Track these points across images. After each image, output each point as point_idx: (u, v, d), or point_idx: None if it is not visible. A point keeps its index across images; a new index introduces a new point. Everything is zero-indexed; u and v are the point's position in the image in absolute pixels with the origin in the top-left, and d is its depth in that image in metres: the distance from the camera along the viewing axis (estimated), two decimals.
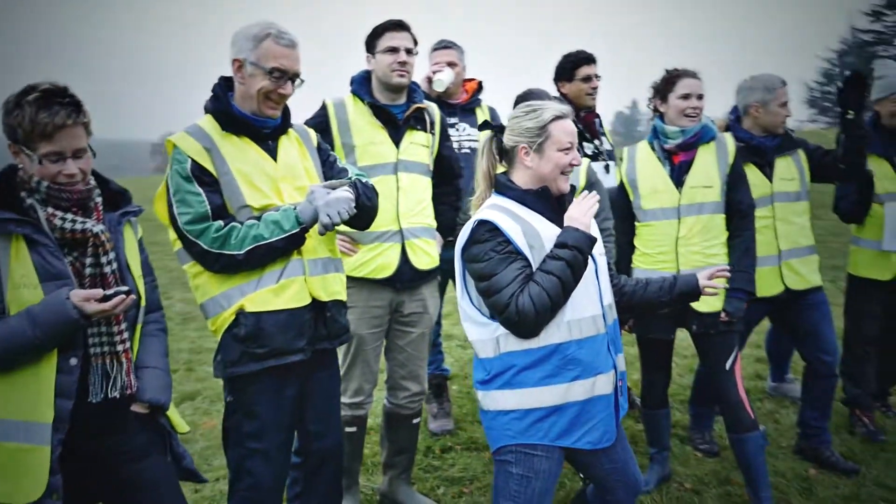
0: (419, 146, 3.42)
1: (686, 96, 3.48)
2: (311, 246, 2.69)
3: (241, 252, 2.51)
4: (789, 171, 3.88)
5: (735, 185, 3.50)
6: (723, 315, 3.42)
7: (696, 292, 2.75)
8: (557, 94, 4.45)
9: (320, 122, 3.33)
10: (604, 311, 2.49)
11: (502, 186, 2.53)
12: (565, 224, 2.42)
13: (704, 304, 3.44)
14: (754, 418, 3.40)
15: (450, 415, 4.74)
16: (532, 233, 2.40)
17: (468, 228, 2.44)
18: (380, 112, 3.35)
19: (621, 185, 3.69)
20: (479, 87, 4.58)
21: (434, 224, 3.50)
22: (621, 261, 3.66)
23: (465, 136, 4.42)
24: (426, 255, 3.39)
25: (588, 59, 4.34)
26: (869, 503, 3.52)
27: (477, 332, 2.47)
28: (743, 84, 3.93)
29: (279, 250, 2.55)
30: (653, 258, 3.55)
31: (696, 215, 3.46)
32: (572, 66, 4.34)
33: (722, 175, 3.48)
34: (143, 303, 2.43)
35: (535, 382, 2.37)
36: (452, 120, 4.43)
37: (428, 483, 3.90)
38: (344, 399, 3.44)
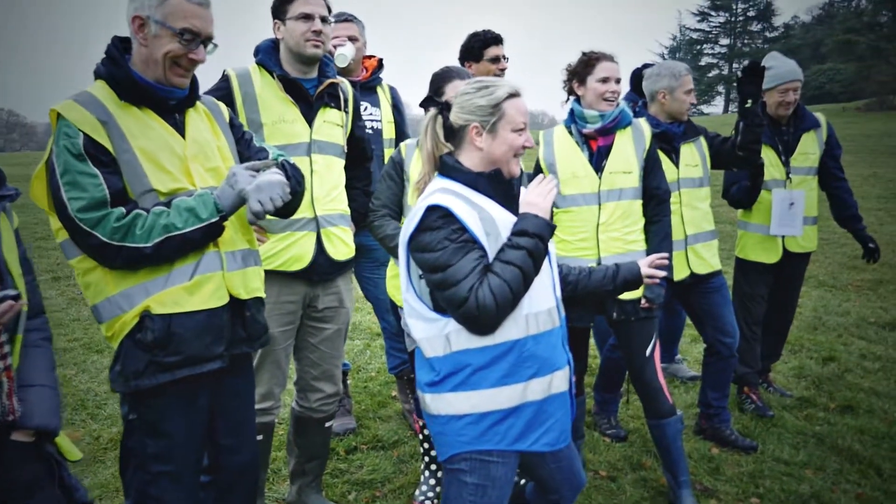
0: (333, 125, 3.11)
1: (605, 80, 3.42)
2: (229, 237, 2.35)
3: (149, 245, 2.13)
4: (693, 157, 3.95)
5: (652, 171, 3.49)
6: (643, 302, 3.41)
7: (638, 280, 2.67)
8: None
9: (222, 95, 2.93)
10: (557, 303, 2.35)
11: (450, 169, 2.31)
12: (522, 210, 2.24)
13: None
14: (672, 403, 3.42)
15: (351, 412, 4.48)
16: (488, 219, 2.20)
17: (417, 214, 2.21)
18: (291, 86, 3.02)
19: (537, 169, 3.58)
20: (380, 64, 4.31)
21: (348, 211, 3.22)
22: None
23: (367, 115, 4.15)
24: (343, 244, 3.12)
25: (496, 39, 4.20)
26: (773, 478, 3.67)
27: (424, 328, 2.24)
28: (650, 71, 3.95)
29: (195, 242, 2.19)
30: (573, 245, 3.47)
31: (616, 201, 3.41)
32: (480, 45, 4.17)
33: (640, 160, 3.46)
34: (24, 307, 2.00)
35: (493, 383, 2.19)
36: None
37: (337, 489, 3.63)
38: None
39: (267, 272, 2.97)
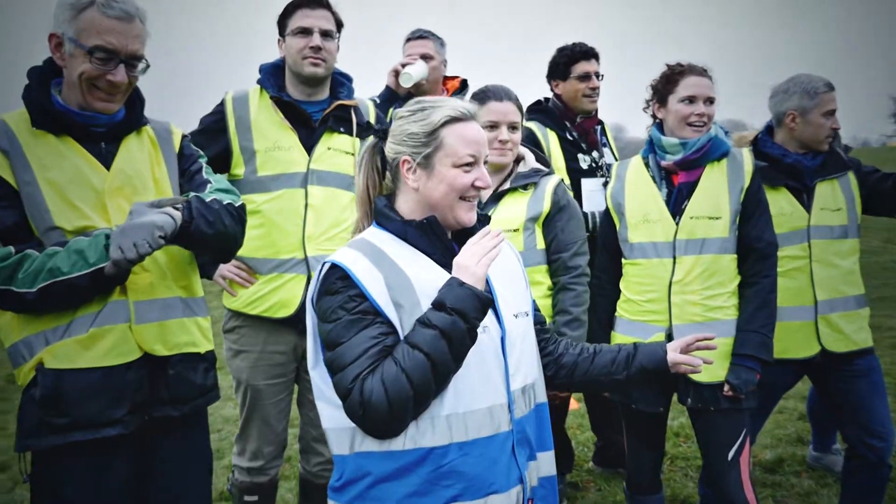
0: (339, 153, 2.75)
1: (690, 99, 2.68)
2: (145, 283, 2.05)
3: (33, 290, 1.89)
4: (834, 199, 3.01)
5: (751, 217, 2.67)
6: (726, 388, 2.60)
7: (663, 370, 1.97)
8: (550, 96, 3.70)
9: (216, 119, 2.70)
10: (510, 400, 1.75)
11: (379, 215, 1.82)
12: (453, 273, 1.68)
13: (703, 372, 2.62)
14: None
15: None
16: (400, 285, 1.67)
17: (320, 273, 1.74)
18: (289, 109, 2.69)
19: (607, 210, 2.91)
20: (463, 85, 3.86)
21: None
22: (602, 308, 2.88)
23: None
24: None
25: (587, 53, 3.56)
26: None
27: (330, 416, 1.75)
28: (778, 87, 3.08)
29: (81, 290, 1.91)
30: (640, 307, 2.75)
31: (697, 254, 2.65)
32: (567, 61, 3.56)
33: (734, 203, 2.66)
34: None
35: (396, 502, 1.65)
36: None
37: None
38: (241, 462, 2.79)
39: (251, 318, 2.66)
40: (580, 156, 3.55)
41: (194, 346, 2.16)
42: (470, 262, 1.65)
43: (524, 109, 2.84)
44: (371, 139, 1.88)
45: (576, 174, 3.48)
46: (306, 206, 2.66)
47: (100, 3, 1.96)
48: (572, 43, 3.63)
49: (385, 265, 1.68)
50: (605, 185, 3.47)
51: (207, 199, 2.04)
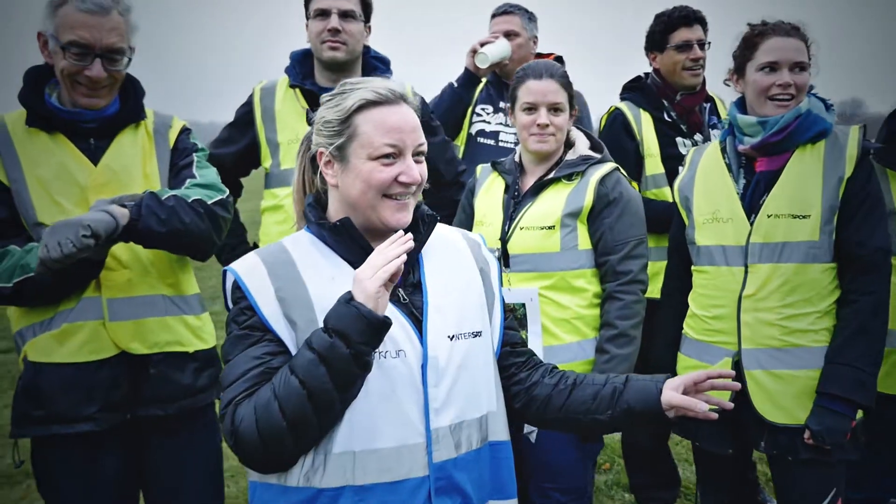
0: None
1: (771, 66, 2.13)
2: (121, 280, 2.02)
3: (9, 285, 1.92)
4: None
5: (854, 215, 2.07)
6: (806, 435, 2.05)
7: (656, 413, 1.56)
8: (650, 71, 3.20)
9: (246, 111, 2.64)
10: (429, 439, 1.46)
11: (305, 215, 1.61)
12: (352, 288, 1.43)
13: (780, 412, 2.10)
14: None
15: None
16: (296, 299, 1.45)
17: (224, 278, 1.57)
18: (312, 98, 2.54)
19: (675, 206, 2.43)
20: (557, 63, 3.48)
21: None
22: (668, 321, 2.42)
23: (513, 129, 3.38)
24: None
25: (686, 17, 3.02)
26: None
27: None
28: None
29: (47, 286, 1.91)
30: (706, 324, 2.26)
31: (774, 262, 2.11)
32: (664, 29, 3.05)
33: (829, 197, 2.08)
34: None
35: None
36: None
37: None
38: None
39: None
40: (679, 140, 3.04)
41: (179, 344, 2.10)
42: (364, 276, 1.38)
43: (573, 88, 2.44)
44: (308, 130, 1.67)
45: (674, 161, 2.97)
46: None
47: None
48: (672, 7, 3.11)
49: (285, 275, 1.48)
50: None
51: (163, 196, 1.96)
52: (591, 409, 1.61)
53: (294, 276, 1.47)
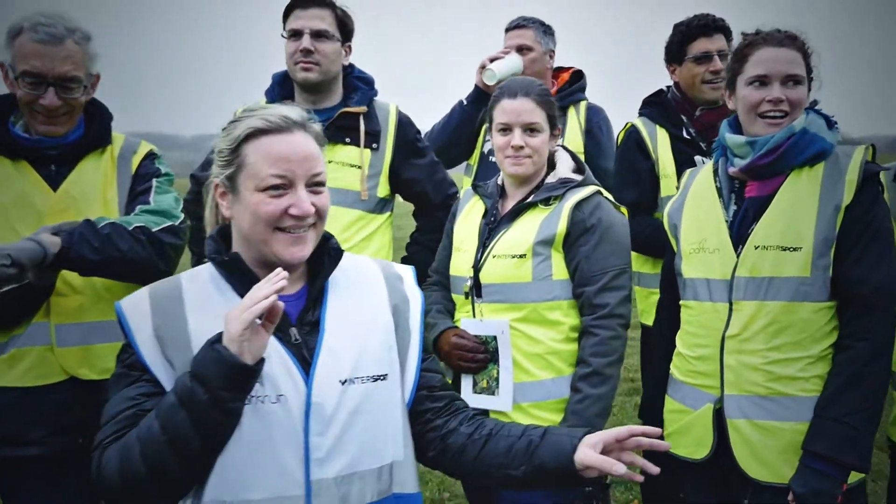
0: (344, 166, 2.49)
1: (761, 80, 1.91)
2: (72, 306, 2.03)
3: None
4: None
5: (852, 248, 1.82)
6: (790, 497, 1.81)
7: (569, 471, 1.40)
8: (670, 84, 2.99)
9: None
10: (309, 491, 1.35)
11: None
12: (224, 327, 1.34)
13: (763, 468, 1.86)
14: None
15: None
16: (176, 338, 1.38)
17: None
18: None
19: (665, 232, 2.22)
20: (575, 78, 3.31)
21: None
22: (658, 358, 2.21)
23: None
24: None
25: (705, 27, 2.78)
26: None
27: None
28: None
29: None
30: (690, 365, 2.04)
31: (760, 300, 1.87)
32: (681, 39, 2.83)
33: (824, 227, 1.84)
34: None
35: None
36: None
37: None
38: None
39: None
40: (698, 158, 2.80)
41: None
42: (233, 315, 1.30)
43: (556, 105, 2.28)
44: None
45: None
46: None
47: (27, 27, 1.98)
48: (693, 15, 2.88)
49: (167, 312, 1.41)
50: None
51: (100, 224, 1.95)
52: (505, 463, 1.47)
53: (177, 314, 1.41)
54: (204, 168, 2.68)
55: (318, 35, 2.42)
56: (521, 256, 2.13)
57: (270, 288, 1.29)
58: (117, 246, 1.94)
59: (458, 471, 1.54)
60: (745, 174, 1.96)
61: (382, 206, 2.59)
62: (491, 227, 2.25)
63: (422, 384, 1.55)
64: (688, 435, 2.02)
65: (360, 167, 2.49)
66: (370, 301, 1.53)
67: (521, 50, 3.19)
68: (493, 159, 3.28)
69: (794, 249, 1.84)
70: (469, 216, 2.36)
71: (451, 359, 2.20)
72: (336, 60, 2.48)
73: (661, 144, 2.84)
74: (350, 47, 2.54)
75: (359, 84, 2.56)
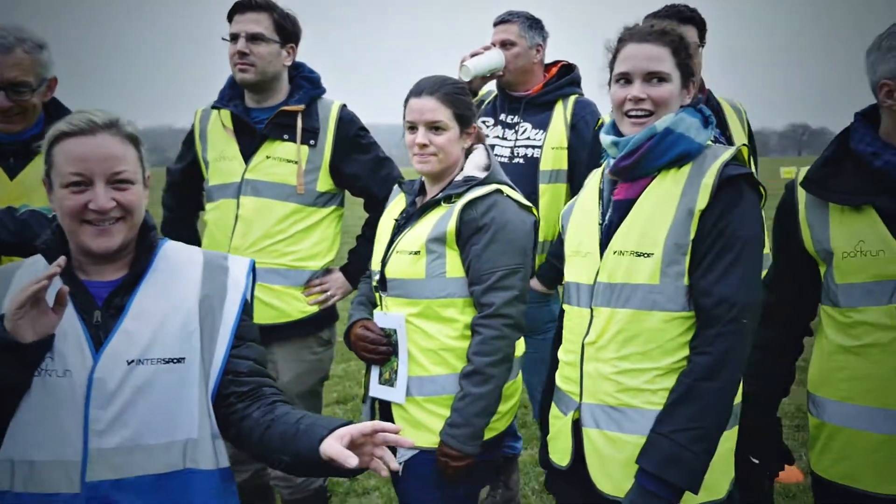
0: (281, 161, 2.62)
1: (626, 78, 1.82)
2: None
3: None
4: None
5: (704, 257, 1.71)
6: None
7: (317, 461, 1.46)
8: None
9: (189, 132, 2.87)
10: (86, 458, 1.50)
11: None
12: None
13: (607, 480, 1.79)
14: None
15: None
16: None
17: None
18: (236, 119, 2.68)
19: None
20: (563, 72, 3.25)
21: (293, 265, 2.64)
22: (550, 366, 2.17)
23: (523, 139, 3.20)
24: (266, 306, 2.58)
25: (672, 18, 2.63)
26: None
27: None
28: (873, 43, 1.85)
29: None
30: (563, 370, 1.99)
31: (612, 307, 1.80)
32: None
33: (676, 233, 1.74)
34: None
35: None
36: (513, 118, 3.25)
37: None
38: None
39: None
40: None
41: None
42: (10, 297, 1.48)
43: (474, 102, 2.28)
44: None
45: None
46: (236, 217, 2.62)
47: None
48: (663, 6, 2.74)
49: None
50: None
51: (20, 210, 2.19)
52: (279, 448, 1.55)
53: (2, 293, 1.61)
54: (177, 161, 2.93)
55: (253, 38, 2.56)
56: (416, 253, 2.17)
57: (45, 274, 1.46)
58: (32, 229, 2.20)
59: (250, 452, 1.63)
60: (614, 175, 1.88)
61: (326, 200, 2.71)
62: (400, 224, 2.30)
63: (228, 369, 1.65)
64: (556, 441, 1.98)
65: (294, 162, 2.61)
66: (179, 289, 1.65)
67: (504, 45, 3.18)
68: None
69: (647, 255, 1.75)
70: (390, 212, 2.41)
71: (357, 349, 2.28)
72: (273, 62, 2.61)
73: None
74: (293, 48, 2.68)
75: (303, 83, 2.69)
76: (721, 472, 1.78)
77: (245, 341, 1.70)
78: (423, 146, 2.19)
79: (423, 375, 2.16)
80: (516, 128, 3.24)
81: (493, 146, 3.23)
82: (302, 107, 2.64)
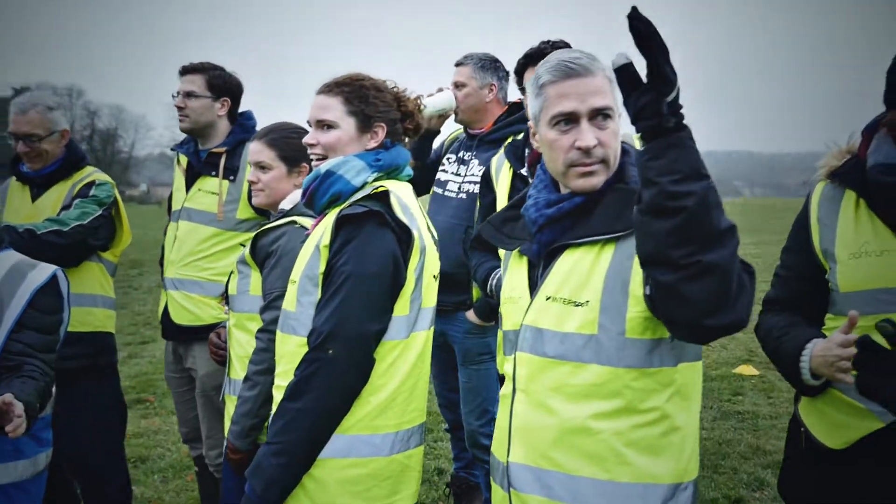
0: (207, 193, 3.20)
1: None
2: None
3: None
4: None
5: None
6: None
7: None
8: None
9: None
10: None
11: None
12: None
13: None
14: None
15: None
16: None
17: None
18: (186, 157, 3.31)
19: None
20: (514, 109, 3.34)
21: (213, 280, 3.12)
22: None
23: (470, 175, 3.32)
24: (185, 310, 3.15)
25: (534, 57, 2.83)
26: None
27: None
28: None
29: None
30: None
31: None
32: (519, 69, 2.95)
33: (310, 265, 2.02)
34: None
35: None
36: (469, 155, 3.37)
37: None
38: None
39: None
40: None
41: None
42: None
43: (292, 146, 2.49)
44: None
45: None
46: (175, 237, 3.22)
47: (12, 105, 3.08)
48: (540, 42, 2.90)
49: None
50: None
51: (20, 230, 2.77)
52: None
53: None
54: None
55: (187, 95, 3.16)
56: (233, 273, 2.51)
57: None
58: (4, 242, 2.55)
59: None
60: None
61: (248, 227, 3.14)
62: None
63: (5, 348, 2.13)
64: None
65: (215, 194, 3.15)
66: None
67: (457, 86, 3.31)
68: (434, 189, 3.40)
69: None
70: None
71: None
72: (204, 113, 3.19)
73: (501, 181, 2.87)
74: (227, 101, 3.24)
75: (236, 129, 3.24)
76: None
77: (25, 328, 2.16)
78: (254, 183, 2.53)
79: (235, 378, 2.45)
80: (469, 164, 3.33)
81: (446, 182, 3.35)
82: (224, 149, 3.18)
